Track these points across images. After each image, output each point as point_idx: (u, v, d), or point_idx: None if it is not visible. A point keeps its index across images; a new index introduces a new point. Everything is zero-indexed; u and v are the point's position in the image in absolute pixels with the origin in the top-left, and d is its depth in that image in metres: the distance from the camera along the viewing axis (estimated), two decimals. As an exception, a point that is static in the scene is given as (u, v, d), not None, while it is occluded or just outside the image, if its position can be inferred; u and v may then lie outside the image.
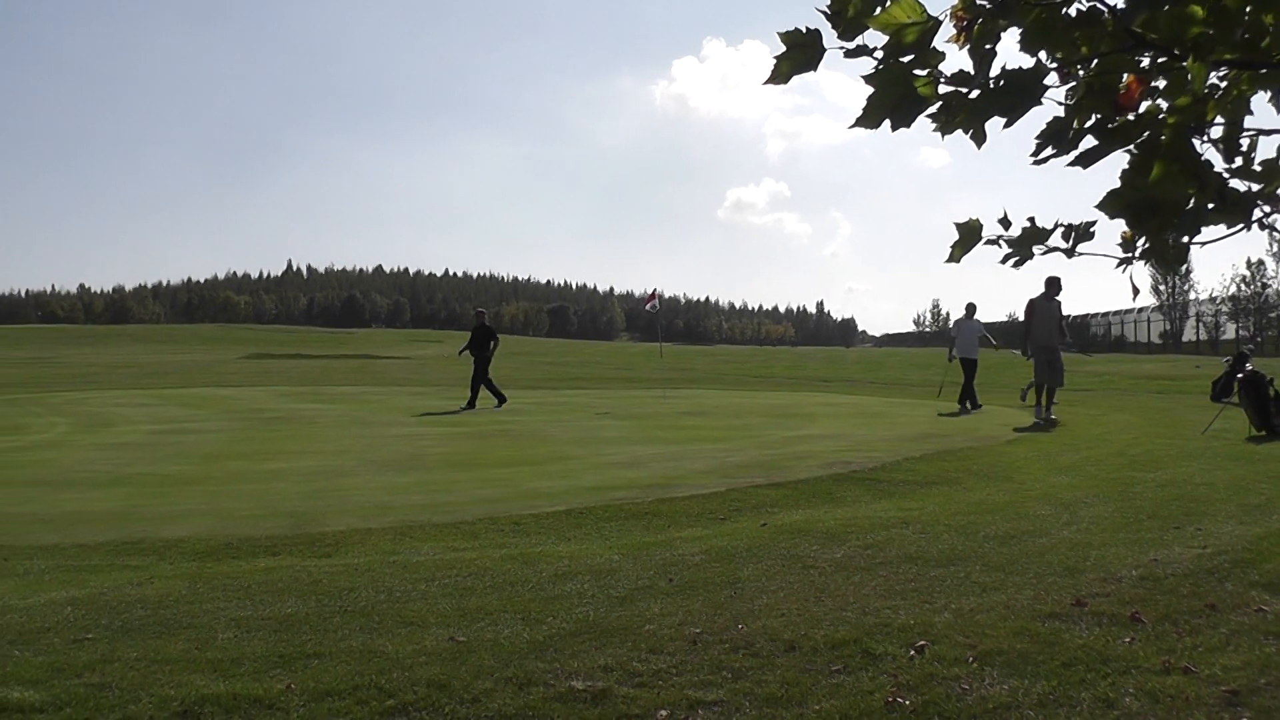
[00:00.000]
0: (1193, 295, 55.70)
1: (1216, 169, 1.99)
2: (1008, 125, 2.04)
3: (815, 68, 2.00)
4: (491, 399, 17.10)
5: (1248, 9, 1.89)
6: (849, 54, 1.98)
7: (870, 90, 1.98)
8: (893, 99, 1.98)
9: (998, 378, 22.15)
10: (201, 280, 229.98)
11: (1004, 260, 2.16)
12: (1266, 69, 1.98)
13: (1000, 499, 6.88)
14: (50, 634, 3.82)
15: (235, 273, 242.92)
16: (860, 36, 1.96)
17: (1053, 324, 13.73)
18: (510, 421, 14.47)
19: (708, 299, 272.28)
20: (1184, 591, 4.21)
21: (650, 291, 22.54)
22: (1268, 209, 2.00)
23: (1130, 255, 2.11)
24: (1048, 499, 6.70)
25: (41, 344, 72.89)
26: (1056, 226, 2.11)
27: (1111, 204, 2.01)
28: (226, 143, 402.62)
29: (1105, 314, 56.76)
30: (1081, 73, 2.05)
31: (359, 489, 7.89)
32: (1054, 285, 13.83)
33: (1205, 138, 2.01)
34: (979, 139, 2.07)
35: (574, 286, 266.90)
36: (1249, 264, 50.99)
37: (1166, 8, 1.88)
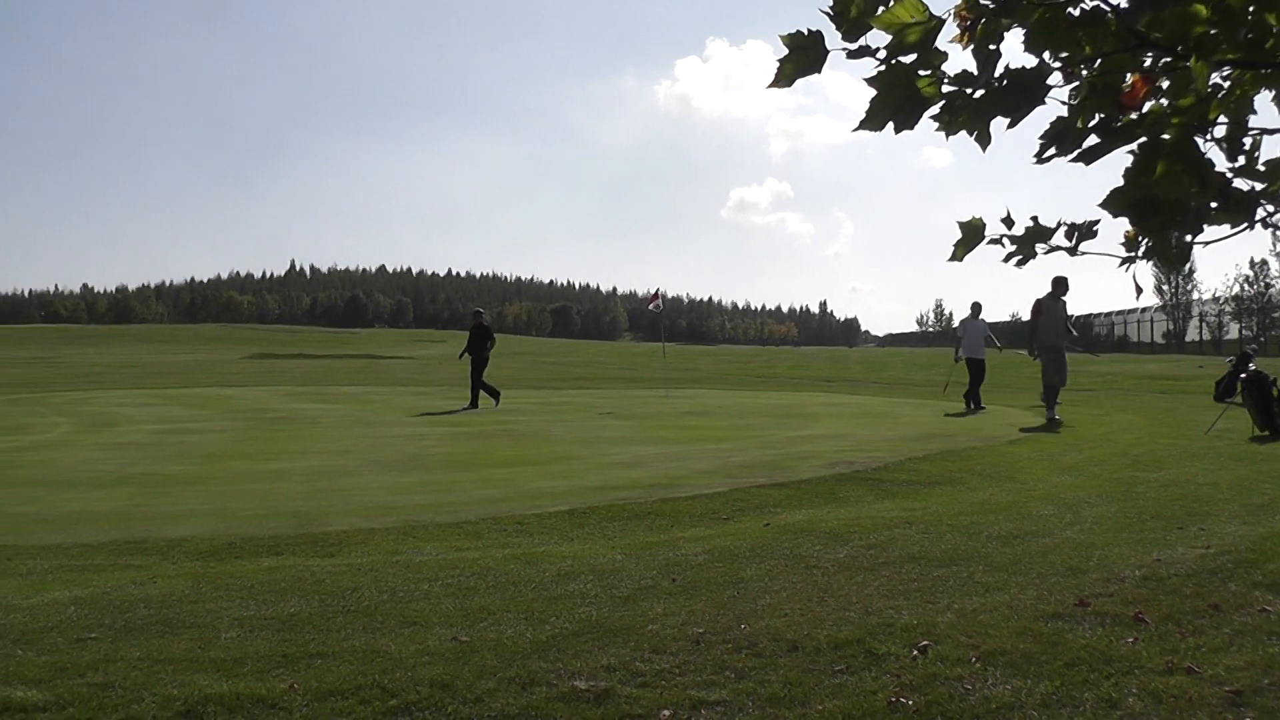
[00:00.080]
0: (1196, 295, 55.67)
1: (1220, 168, 1.99)
2: (1011, 125, 2.03)
3: (819, 70, 2.00)
4: (491, 399, 17.17)
5: (1251, 9, 1.89)
6: (852, 55, 1.98)
7: (873, 93, 1.98)
8: (896, 100, 1.98)
9: (1000, 378, 22.12)
10: (204, 280, 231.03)
11: (1007, 259, 2.16)
12: (1270, 69, 1.98)
13: (1003, 499, 6.87)
14: (53, 633, 3.83)
15: (238, 273, 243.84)
16: (863, 37, 1.96)
17: (1059, 324, 13.71)
18: (513, 421, 14.47)
19: (711, 299, 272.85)
20: (1187, 592, 4.21)
21: (653, 291, 22.55)
22: (1271, 208, 2.00)
23: (1133, 254, 2.11)
24: (1051, 499, 6.70)
25: (44, 344, 73.00)
26: (1060, 225, 2.11)
27: (1115, 202, 2.00)
28: (229, 143, 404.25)
29: (1108, 314, 56.69)
30: (1085, 72, 2.04)
31: (362, 489, 7.89)
32: (1061, 285, 13.79)
33: (1209, 137, 2.00)
34: (984, 141, 2.07)
35: (577, 286, 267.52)
36: (1252, 264, 50.91)
37: (1170, 7, 1.88)
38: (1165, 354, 43.86)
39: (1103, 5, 1.96)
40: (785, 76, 2.02)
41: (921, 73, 1.98)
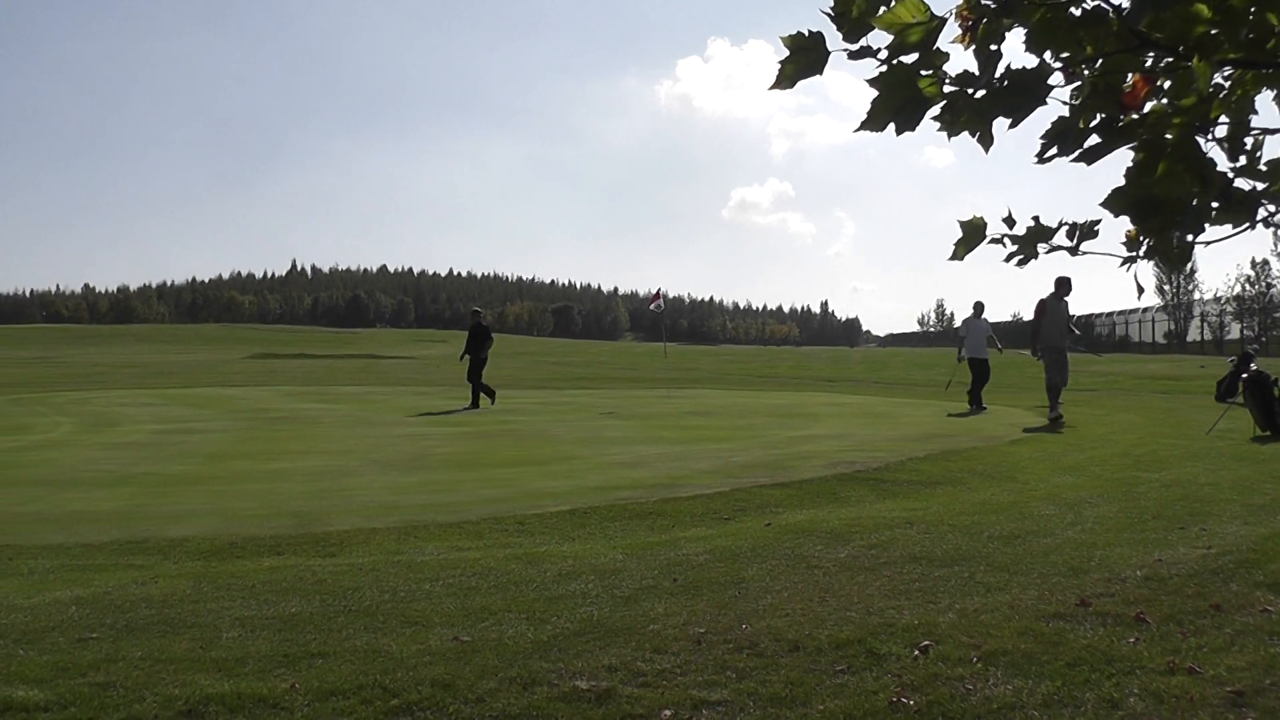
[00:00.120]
0: (1197, 295, 55.54)
1: (1221, 168, 1.99)
2: (1013, 126, 2.03)
3: (820, 71, 2.00)
4: (487, 398, 17.23)
5: (1253, 9, 1.88)
6: (853, 55, 1.98)
7: (875, 93, 1.98)
8: (897, 101, 1.98)
9: (1002, 378, 22.11)
10: (206, 280, 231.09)
11: (1008, 259, 2.16)
12: (1271, 69, 1.97)
13: (1005, 499, 6.87)
14: (55, 633, 3.83)
15: (240, 272, 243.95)
16: (864, 38, 1.96)
17: (1062, 324, 13.70)
18: (514, 421, 14.48)
19: (712, 299, 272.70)
20: (1189, 592, 4.20)
21: (655, 291, 22.57)
22: (1272, 208, 2.00)
23: (1135, 254, 2.11)
24: (1052, 499, 6.69)
25: (46, 344, 73.05)
26: (1061, 225, 2.11)
27: (1116, 202, 2.01)
28: (231, 142, 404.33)
29: (1110, 314, 56.64)
30: (1086, 72, 2.04)
31: (363, 489, 7.90)
32: (1064, 285, 13.79)
33: (1210, 137, 2.01)
34: (986, 142, 2.07)
35: (578, 286, 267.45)
36: (1254, 263, 50.77)
37: (1172, 7, 1.87)
38: (1167, 354, 43.82)
39: (1104, 5, 1.96)
40: (786, 78, 2.02)
41: (923, 73, 1.98)
